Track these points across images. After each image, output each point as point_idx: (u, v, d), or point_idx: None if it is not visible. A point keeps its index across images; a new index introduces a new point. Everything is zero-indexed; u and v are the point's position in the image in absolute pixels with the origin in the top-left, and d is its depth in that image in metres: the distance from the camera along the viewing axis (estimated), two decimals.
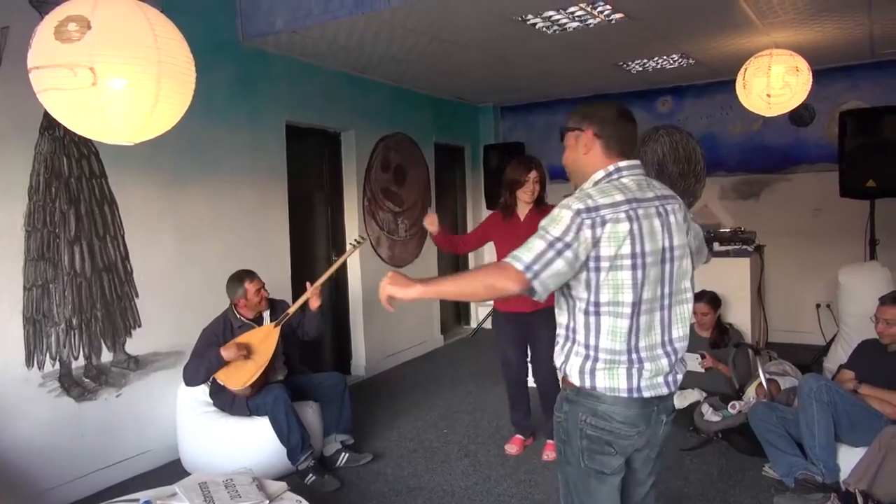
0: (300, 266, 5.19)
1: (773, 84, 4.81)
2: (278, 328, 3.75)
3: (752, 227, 5.59)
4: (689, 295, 1.93)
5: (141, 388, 3.95)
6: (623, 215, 1.78)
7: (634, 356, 1.82)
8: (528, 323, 3.80)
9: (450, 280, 1.95)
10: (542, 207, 3.81)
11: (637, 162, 1.91)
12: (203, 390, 3.81)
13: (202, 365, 3.57)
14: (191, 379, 3.63)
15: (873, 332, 4.15)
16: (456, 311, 7.70)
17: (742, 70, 4.95)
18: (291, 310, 3.82)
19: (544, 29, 4.55)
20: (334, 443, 3.91)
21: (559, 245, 1.75)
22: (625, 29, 4.65)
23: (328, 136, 5.69)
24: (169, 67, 2.20)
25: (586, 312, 1.83)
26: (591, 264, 1.78)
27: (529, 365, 4.04)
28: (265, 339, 3.69)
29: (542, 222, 1.84)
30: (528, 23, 4.38)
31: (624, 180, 1.86)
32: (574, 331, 1.89)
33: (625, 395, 1.82)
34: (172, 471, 3.82)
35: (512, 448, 4.02)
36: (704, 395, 4.18)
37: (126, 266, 3.91)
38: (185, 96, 2.32)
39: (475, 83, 6.50)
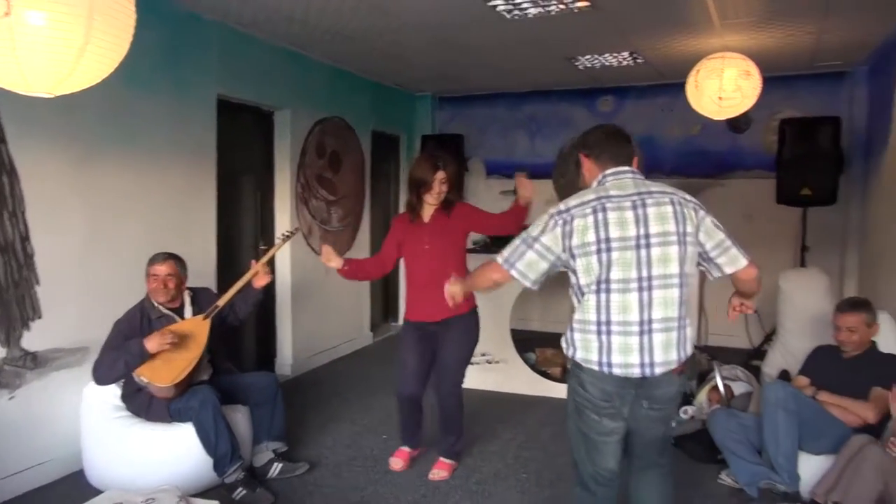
0: (225, 254, 4.74)
1: (726, 87, 4.76)
2: (208, 321, 3.33)
3: None
4: (676, 280, 2.13)
5: (39, 390, 3.42)
6: (589, 209, 2.14)
7: (604, 328, 2.12)
8: (435, 332, 3.50)
9: (469, 277, 2.57)
10: (450, 210, 3.47)
11: (622, 168, 2.24)
12: (115, 393, 3.34)
13: (121, 358, 3.12)
14: (105, 375, 3.17)
15: (813, 336, 4.19)
16: (384, 308, 7.37)
17: (694, 71, 4.88)
18: (223, 301, 3.41)
19: (504, 13, 4.32)
20: (266, 451, 3.53)
21: (530, 240, 2.17)
22: (585, 19, 4.48)
23: (261, 114, 5.25)
24: (104, 2, 1.80)
25: (575, 293, 2.21)
26: (568, 254, 2.15)
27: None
28: (193, 332, 3.27)
29: (531, 226, 2.23)
30: (489, 3, 4.13)
31: (607, 183, 2.22)
32: (572, 313, 2.23)
33: (595, 367, 2.14)
34: (74, 484, 3.36)
35: (397, 463, 3.65)
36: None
37: (26, 247, 3.37)
38: (121, 41, 1.92)
39: (417, 70, 6.20)
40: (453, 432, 3.62)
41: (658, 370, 2.11)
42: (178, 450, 3.20)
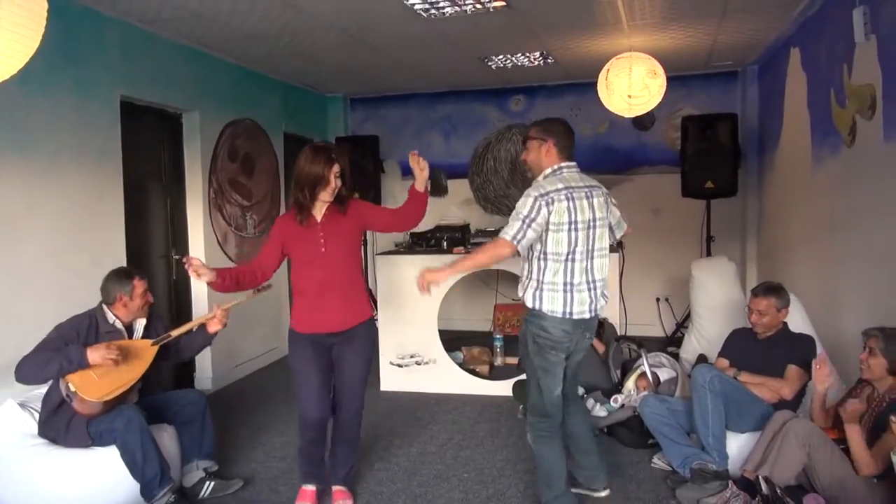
0: (136, 266, 4.44)
1: (634, 85, 4.95)
2: (155, 348, 3.15)
3: None
4: (606, 252, 2.92)
5: None
6: (563, 196, 2.76)
7: (568, 287, 2.81)
8: (336, 344, 3.09)
9: (465, 258, 2.93)
10: (345, 207, 3.07)
11: (573, 163, 2.92)
12: (27, 421, 3.06)
13: (56, 360, 2.87)
14: (31, 374, 2.91)
15: (724, 321, 4.42)
16: None
17: (604, 70, 5.04)
18: (176, 332, 3.22)
19: (421, 11, 4.30)
20: (196, 471, 3.35)
21: (528, 220, 2.73)
22: (500, 19, 4.53)
23: (168, 116, 4.98)
24: None
25: (539, 258, 2.83)
26: (544, 228, 2.76)
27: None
28: (138, 355, 3.09)
29: (517, 205, 2.77)
30: (408, 2, 4.10)
31: (564, 174, 2.86)
32: (531, 271, 2.86)
33: (559, 315, 2.81)
34: None
35: None
36: (582, 390, 4.16)
37: None
38: (33, 33, 1.76)
39: (328, 70, 6.08)
40: (352, 456, 3.27)
41: (598, 312, 2.96)
42: (101, 476, 2.96)
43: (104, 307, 3.20)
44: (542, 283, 2.80)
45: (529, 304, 2.83)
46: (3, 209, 3.46)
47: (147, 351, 3.15)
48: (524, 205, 2.73)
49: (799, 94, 4.91)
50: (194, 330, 3.32)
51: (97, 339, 3.07)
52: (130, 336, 3.23)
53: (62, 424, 3.01)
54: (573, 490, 3.10)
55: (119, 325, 3.19)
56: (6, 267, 3.47)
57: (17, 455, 2.98)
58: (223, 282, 2.94)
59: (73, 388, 2.91)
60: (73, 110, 3.89)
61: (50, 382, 3.03)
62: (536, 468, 3.03)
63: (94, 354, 2.91)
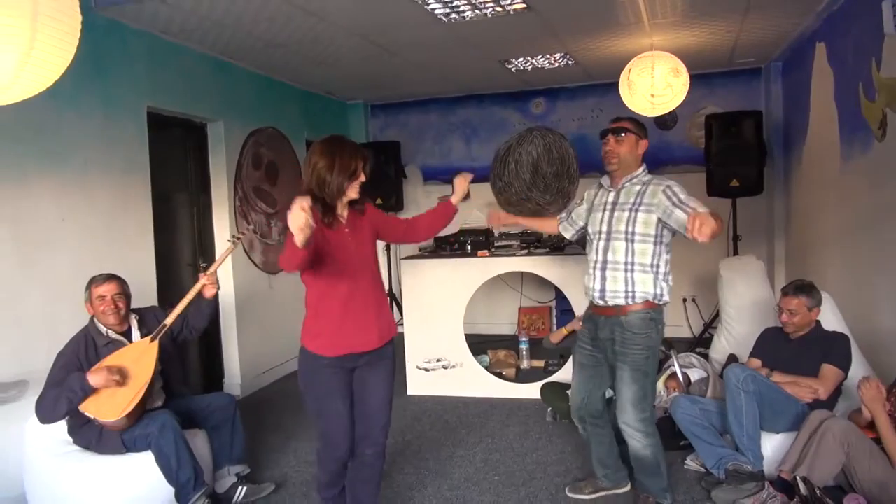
0: (165, 276, 4.51)
1: (657, 84, 4.92)
2: (156, 343, 3.14)
3: None
4: None
5: None
6: None
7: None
8: (360, 367, 2.66)
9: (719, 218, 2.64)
10: (363, 208, 2.69)
11: None
12: (61, 427, 3.10)
13: (63, 395, 2.87)
14: (48, 414, 2.92)
15: (753, 321, 4.36)
16: None
17: (626, 70, 5.01)
18: (170, 319, 3.20)
19: (441, 16, 4.31)
20: (228, 476, 3.37)
21: None
22: (521, 22, 4.53)
23: (192, 127, 5.04)
24: (48, 2, 1.67)
25: (668, 252, 3.03)
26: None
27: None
28: (140, 357, 3.07)
29: (676, 188, 2.94)
30: (429, 7, 4.11)
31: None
32: (658, 265, 3.00)
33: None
34: None
35: None
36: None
37: None
38: (68, 45, 1.78)
39: (348, 77, 6.11)
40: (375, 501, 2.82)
41: None
42: (136, 482, 2.99)
43: (94, 320, 3.19)
44: (669, 277, 3.04)
45: (667, 298, 3.01)
46: (37, 220, 3.53)
47: (149, 350, 3.10)
48: (682, 188, 2.93)
49: (825, 90, 4.84)
50: (199, 299, 3.26)
51: (97, 355, 3.05)
52: (131, 341, 3.21)
53: (95, 433, 3.04)
54: (600, 494, 3.31)
55: (113, 334, 3.17)
56: (42, 277, 3.53)
57: (52, 462, 3.03)
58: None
59: (91, 416, 2.92)
60: (101, 122, 3.95)
61: None
62: (657, 467, 3.04)
63: (96, 379, 2.89)
